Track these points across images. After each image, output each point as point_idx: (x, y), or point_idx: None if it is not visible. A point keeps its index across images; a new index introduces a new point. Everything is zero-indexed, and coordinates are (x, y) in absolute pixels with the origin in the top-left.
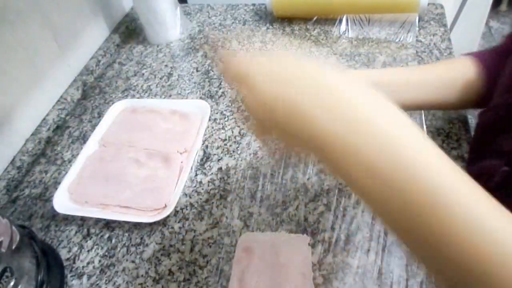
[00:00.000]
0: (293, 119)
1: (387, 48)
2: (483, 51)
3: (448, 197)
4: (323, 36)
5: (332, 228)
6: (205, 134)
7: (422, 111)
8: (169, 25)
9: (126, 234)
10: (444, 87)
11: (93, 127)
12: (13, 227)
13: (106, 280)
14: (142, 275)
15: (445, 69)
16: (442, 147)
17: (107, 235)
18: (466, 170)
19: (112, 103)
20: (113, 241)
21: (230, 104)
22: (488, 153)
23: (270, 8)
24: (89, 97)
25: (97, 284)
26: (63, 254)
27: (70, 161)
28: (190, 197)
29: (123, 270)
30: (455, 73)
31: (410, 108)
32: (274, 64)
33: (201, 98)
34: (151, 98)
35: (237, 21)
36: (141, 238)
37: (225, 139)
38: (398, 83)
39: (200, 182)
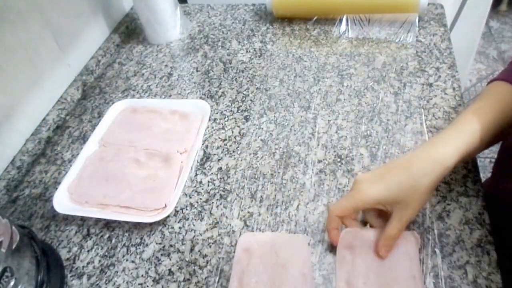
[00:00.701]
0: None
1: (387, 48)
2: (506, 71)
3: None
4: (323, 36)
5: None
6: (205, 134)
7: (422, 112)
8: (169, 25)
9: (126, 234)
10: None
11: (93, 127)
12: (13, 227)
13: (106, 280)
14: (142, 275)
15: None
16: None
17: (107, 235)
18: (492, 189)
19: (112, 103)
20: (113, 241)
21: (230, 104)
22: None
23: (270, 8)
24: (89, 97)
25: (97, 284)
26: (63, 254)
27: (70, 161)
28: (190, 197)
29: (123, 270)
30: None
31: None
32: None
33: (201, 98)
34: (151, 98)
35: (237, 21)
36: (141, 238)
37: (225, 139)
38: (479, 148)
39: (200, 182)
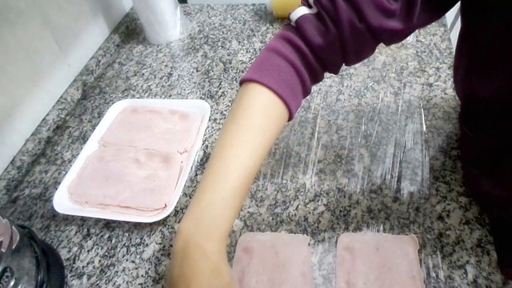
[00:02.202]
0: None
1: (387, 48)
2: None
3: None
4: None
5: (332, 228)
6: (205, 134)
7: (422, 112)
8: (169, 25)
9: (126, 234)
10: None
11: (93, 127)
12: (13, 227)
13: (106, 280)
14: (142, 275)
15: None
16: (442, 147)
17: (107, 235)
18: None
19: (112, 103)
20: (113, 241)
21: (230, 104)
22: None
23: (270, 8)
24: (89, 97)
25: (97, 284)
26: (63, 254)
27: (70, 161)
28: (190, 197)
29: (123, 270)
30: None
31: None
32: None
33: (201, 98)
34: (151, 98)
35: (237, 21)
36: (141, 238)
37: None
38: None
39: None
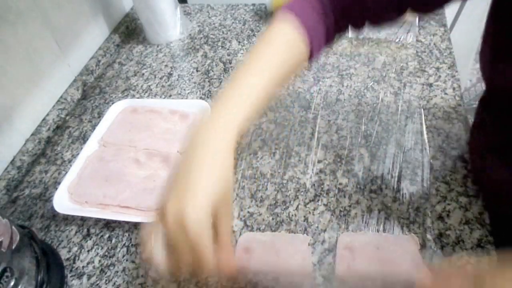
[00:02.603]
0: None
1: (387, 48)
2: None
3: None
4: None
5: (332, 228)
6: None
7: (422, 112)
8: (169, 25)
9: (126, 234)
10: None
11: (93, 127)
12: (13, 227)
13: (106, 280)
14: (142, 275)
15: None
16: (442, 147)
17: (107, 235)
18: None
19: (112, 103)
20: (113, 241)
21: None
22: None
23: (270, 8)
24: (89, 97)
25: (97, 284)
26: (63, 254)
27: (70, 161)
28: None
29: (123, 270)
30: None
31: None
32: None
33: (201, 98)
34: (151, 98)
35: (237, 21)
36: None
37: None
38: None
39: None
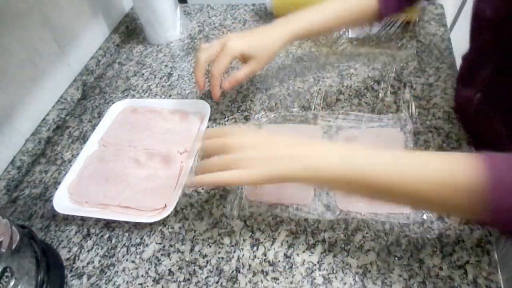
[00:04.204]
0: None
1: (387, 48)
2: None
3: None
4: (323, 36)
5: (332, 228)
6: None
7: (422, 112)
8: (169, 25)
9: (126, 234)
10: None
11: (93, 127)
12: (13, 227)
13: (106, 280)
14: (142, 275)
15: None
16: (442, 147)
17: (107, 235)
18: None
19: (112, 103)
20: (113, 241)
21: (230, 104)
22: (468, 86)
23: (270, 8)
24: (89, 97)
25: (97, 284)
26: (63, 254)
27: (70, 161)
28: (190, 197)
29: (123, 270)
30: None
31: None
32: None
33: (201, 98)
34: (151, 98)
35: (237, 21)
36: (141, 238)
37: None
38: (316, 30)
39: None
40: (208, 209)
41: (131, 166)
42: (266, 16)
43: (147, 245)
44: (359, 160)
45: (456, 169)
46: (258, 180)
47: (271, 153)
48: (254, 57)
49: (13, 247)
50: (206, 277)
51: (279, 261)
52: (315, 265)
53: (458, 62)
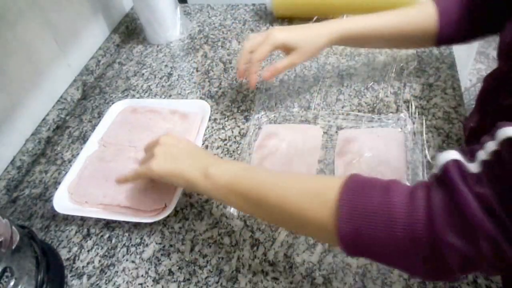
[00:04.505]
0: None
1: (387, 48)
2: None
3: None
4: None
5: None
6: (205, 134)
7: (422, 112)
8: (169, 25)
9: (126, 234)
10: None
11: (93, 127)
12: (13, 227)
13: (106, 280)
14: (142, 275)
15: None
16: (442, 147)
17: (107, 235)
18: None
19: (112, 103)
20: (113, 241)
21: (230, 104)
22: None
23: (270, 8)
24: (89, 97)
25: (97, 284)
26: (63, 254)
27: (70, 161)
28: (190, 197)
29: (123, 270)
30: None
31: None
32: (168, 148)
33: (201, 98)
34: (151, 98)
35: (237, 21)
36: (141, 238)
37: (225, 139)
38: (367, 35)
39: None
40: (208, 209)
41: (131, 166)
42: (266, 16)
43: (147, 245)
44: (241, 172)
45: (325, 187)
46: (158, 170)
47: (176, 153)
48: (297, 49)
49: (13, 247)
50: (206, 277)
51: (279, 261)
52: (315, 265)
53: (459, 62)
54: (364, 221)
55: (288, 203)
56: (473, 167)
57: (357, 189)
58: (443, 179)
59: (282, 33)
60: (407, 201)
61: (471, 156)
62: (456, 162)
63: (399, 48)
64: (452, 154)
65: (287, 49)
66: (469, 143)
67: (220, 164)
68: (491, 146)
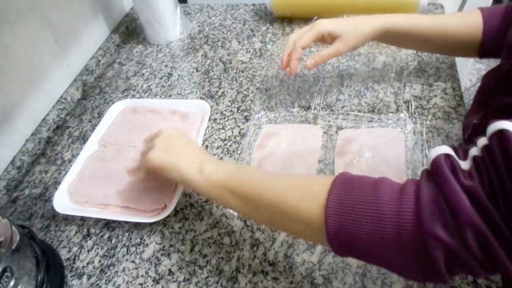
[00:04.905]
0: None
1: (387, 48)
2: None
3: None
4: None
5: None
6: (205, 134)
7: (422, 112)
8: (169, 25)
9: (126, 234)
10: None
11: (93, 127)
12: (13, 227)
13: (106, 280)
14: (142, 275)
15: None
16: None
17: (107, 235)
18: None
19: (112, 103)
20: (113, 241)
21: (230, 104)
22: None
23: (270, 8)
24: (89, 97)
25: (97, 284)
26: (63, 254)
27: (70, 161)
28: (190, 197)
29: (123, 270)
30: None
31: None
32: (169, 141)
33: (201, 98)
34: (151, 98)
35: (237, 21)
36: (141, 238)
37: (225, 139)
38: (411, 33)
39: None
40: (208, 209)
41: (131, 166)
42: (266, 16)
43: (147, 245)
44: (235, 170)
45: (316, 184)
46: (155, 160)
47: (175, 146)
48: (341, 37)
49: (13, 247)
50: (206, 277)
51: (279, 261)
52: (315, 265)
53: (459, 62)
54: (351, 216)
55: (282, 201)
56: (465, 164)
57: (345, 186)
58: (433, 172)
59: (329, 22)
60: (395, 195)
61: (464, 155)
62: (446, 156)
63: (443, 54)
64: (443, 149)
65: (332, 38)
66: (470, 141)
67: (216, 162)
68: (482, 142)
